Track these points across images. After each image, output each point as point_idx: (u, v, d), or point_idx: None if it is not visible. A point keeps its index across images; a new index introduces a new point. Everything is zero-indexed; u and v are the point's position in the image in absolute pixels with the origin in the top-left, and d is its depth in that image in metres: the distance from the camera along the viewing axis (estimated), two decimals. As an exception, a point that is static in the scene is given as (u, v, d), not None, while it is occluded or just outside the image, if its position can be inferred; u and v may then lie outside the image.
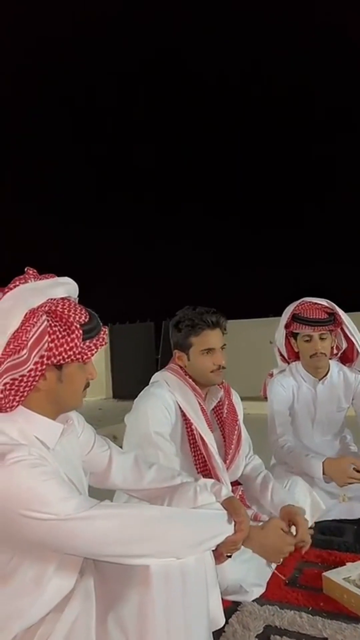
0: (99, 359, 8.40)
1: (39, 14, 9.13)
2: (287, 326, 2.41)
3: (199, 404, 1.83)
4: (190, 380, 1.87)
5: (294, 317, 2.35)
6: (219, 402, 1.97)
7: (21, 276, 1.13)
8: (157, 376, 1.94)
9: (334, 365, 2.46)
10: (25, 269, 1.15)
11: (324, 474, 2.11)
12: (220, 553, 1.26)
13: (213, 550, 1.20)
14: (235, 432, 1.96)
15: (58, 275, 1.19)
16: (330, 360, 2.43)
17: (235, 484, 1.97)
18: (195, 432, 1.79)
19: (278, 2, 8.67)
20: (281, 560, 1.58)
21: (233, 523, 1.21)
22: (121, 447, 1.66)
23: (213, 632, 1.23)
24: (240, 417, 2.04)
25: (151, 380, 1.94)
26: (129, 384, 7.54)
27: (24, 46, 9.67)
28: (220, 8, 9.05)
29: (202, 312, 1.86)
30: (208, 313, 1.85)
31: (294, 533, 1.60)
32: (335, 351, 2.45)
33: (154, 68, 10.57)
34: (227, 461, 1.90)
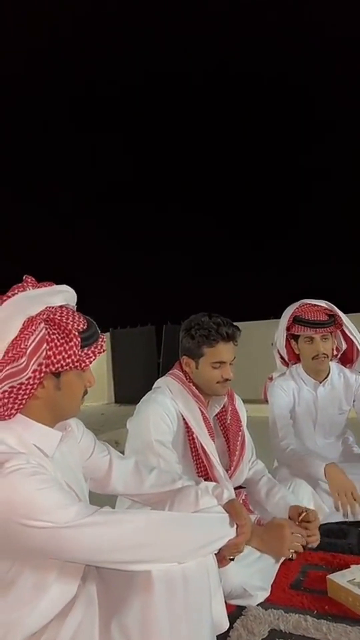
0: (101, 363, 8.38)
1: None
2: (288, 328, 2.41)
3: (201, 412, 1.82)
4: (193, 387, 1.85)
5: (295, 319, 2.35)
6: (222, 408, 1.95)
7: (19, 284, 1.13)
8: (160, 382, 1.93)
9: (335, 367, 2.46)
10: (24, 277, 1.15)
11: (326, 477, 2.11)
12: (223, 556, 1.26)
13: (215, 554, 1.20)
14: (239, 438, 1.95)
15: (59, 281, 1.20)
16: (330, 362, 2.43)
17: (238, 488, 1.96)
18: (196, 441, 1.78)
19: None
20: (290, 554, 1.58)
21: (235, 526, 1.21)
22: (123, 452, 1.66)
23: (217, 636, 1.23)
24: (244, 422, 2.03)
25: (154, 386, 1.93)
26: (131, 388, 7.53)
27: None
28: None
29: (218, 322, 1.79)
30: (225, 325, 1.79)
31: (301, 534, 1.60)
32: (335, 352, 2.45)
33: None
34: (231, 468, 1.89)
